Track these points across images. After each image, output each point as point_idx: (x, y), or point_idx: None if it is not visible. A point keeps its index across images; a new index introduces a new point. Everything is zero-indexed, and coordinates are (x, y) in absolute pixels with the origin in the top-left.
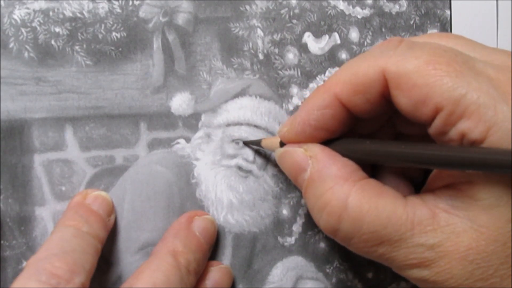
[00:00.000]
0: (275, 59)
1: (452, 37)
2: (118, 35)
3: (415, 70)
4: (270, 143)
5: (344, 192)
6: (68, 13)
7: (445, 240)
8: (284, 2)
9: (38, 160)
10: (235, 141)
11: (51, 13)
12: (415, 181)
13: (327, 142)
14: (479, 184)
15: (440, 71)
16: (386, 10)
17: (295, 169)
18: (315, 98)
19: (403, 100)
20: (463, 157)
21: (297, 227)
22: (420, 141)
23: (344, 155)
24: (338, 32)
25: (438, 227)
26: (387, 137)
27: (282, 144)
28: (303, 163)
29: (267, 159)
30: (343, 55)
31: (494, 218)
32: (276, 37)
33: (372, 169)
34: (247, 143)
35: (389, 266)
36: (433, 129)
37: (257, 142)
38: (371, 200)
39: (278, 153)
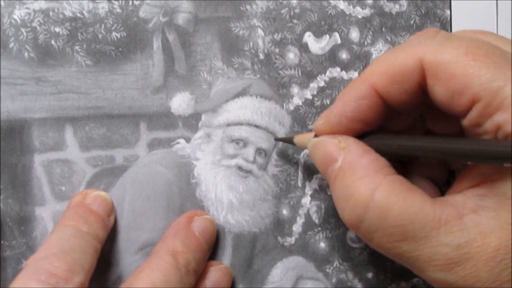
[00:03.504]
0: (276, 58)
1: (486, 34)
2: (118, 35)
3: (454, 60)
4: (303, 139)
5: (374, 182)
6: (68, 13)
7: (472, 241)
8: (285, 2)
9: (38, 160)
10: (235, 141)
11: (51, 13)
12: (438, 183)
13: (362, 136)
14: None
15: (479, 62)
16: (386, 10)
17: (326, 159)
18: (351, 90)
19: (439, 89)
20: (502, 151)
21: (297, 227)
22: None
23: (378, 150)
24: (338, 32)
25: (465, 227)
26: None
27: None
28: (335, 153)
29: (267, 159)
30: (344, 54)
31: None
32: (277, 36)
33: (399, 171)
34: (278, 140)
35: (410, 268)
36: (467, 120)
37: (289, 139)
38: (400, 194)
39: (311, 143)
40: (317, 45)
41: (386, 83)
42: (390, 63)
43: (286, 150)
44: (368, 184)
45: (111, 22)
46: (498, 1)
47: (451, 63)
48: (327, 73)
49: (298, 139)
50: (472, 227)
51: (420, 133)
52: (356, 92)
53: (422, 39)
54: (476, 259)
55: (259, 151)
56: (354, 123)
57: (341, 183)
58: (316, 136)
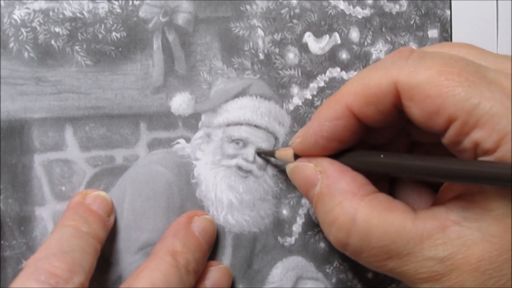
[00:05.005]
0: (276, 59)
1: (463, 47)
2: (118, 35)
3: (428, 81)
4: (284, 154)
5: (353, 207)
6: (68, 13)
7: (456, 253)
8: (285, 2)
9: (38, 160)
10: (235, 141)
11: (51, 13)
12: (434, 187)
13: (340, 153)
14: (492, 194)
15: (452, 81)
16: (387, 10)
17: (305, 184)
18: (326, 109)
19: (416, 111)
20: (478, 172)
21: (297, 227)
22: (435, 149)
23: (356, 167)
24: (338, 32)
25: (448, 240)
26: (402, 146)
27: (296, 156)
28: (313, 178)
29: (267, 159)
30: (344, 55)
31: (507, 228)
32: (277, 37)
33: (392, 177)
34: (260, 153)
35: (402, 281)
36: (446, 139)
37: (271, 153)
38: (380, 215)
39: (289, 168)
40: (317, 45)
41: (361, 104)
42: (364, 84)
43: None
44: (347, 209)
45: (111, 22)
46: (498, 1)
47: (425, 84)
48: (327, 73)
49: (280, 153)
50: (455, 239)
51: (406, 144)
52: (331, 112)
53: (397, 59)
54: (461, 270)
55: (259, 153)
56: (331, 142)
57: (322, 208)
58: (295, 154)
